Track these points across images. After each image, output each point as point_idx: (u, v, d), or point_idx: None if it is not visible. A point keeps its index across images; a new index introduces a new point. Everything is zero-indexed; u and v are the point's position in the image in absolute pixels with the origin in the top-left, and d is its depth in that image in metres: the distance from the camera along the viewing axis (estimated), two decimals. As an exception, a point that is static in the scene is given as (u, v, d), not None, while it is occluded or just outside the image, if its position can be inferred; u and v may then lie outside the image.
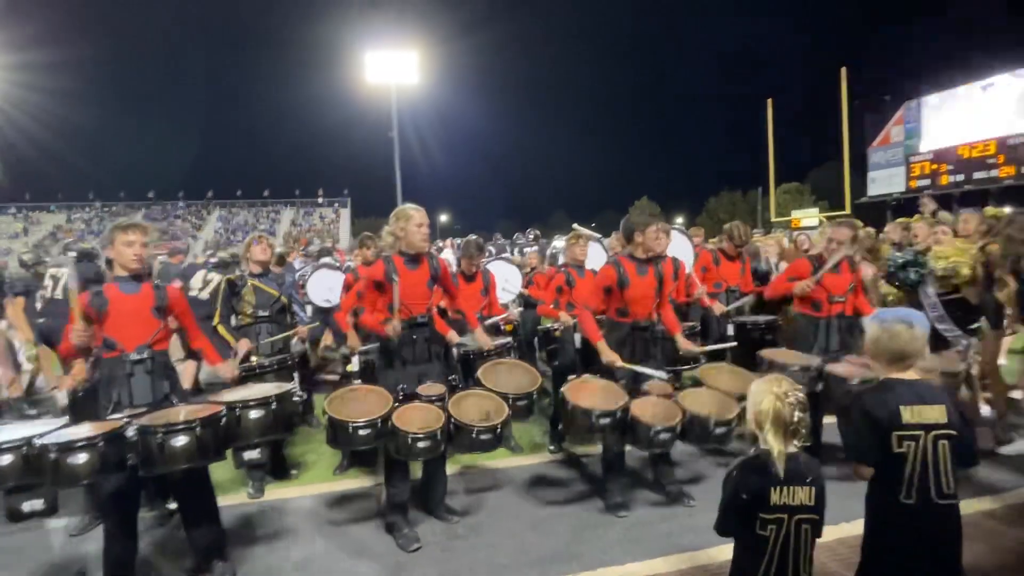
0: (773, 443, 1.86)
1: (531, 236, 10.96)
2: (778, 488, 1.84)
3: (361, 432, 3.10)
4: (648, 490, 3.92)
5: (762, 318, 5.22)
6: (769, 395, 1.88)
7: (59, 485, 2.58)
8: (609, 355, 3.64)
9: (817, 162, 55.90)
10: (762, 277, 6.08)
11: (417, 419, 3.20)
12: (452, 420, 3.24)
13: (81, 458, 2.53)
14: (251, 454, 3.01)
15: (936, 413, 1.91)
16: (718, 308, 5.13)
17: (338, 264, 6.92)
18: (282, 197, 62.41)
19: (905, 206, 27.16)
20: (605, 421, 3.35)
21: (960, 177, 25.91)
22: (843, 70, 25.20)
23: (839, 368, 3.65)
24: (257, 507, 3.90)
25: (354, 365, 4.32)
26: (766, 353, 3.94)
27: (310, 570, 3.14)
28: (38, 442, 2.58)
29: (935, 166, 27.06)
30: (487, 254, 5.67)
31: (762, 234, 9.49)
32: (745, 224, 5.66)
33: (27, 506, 2.63)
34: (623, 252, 3.95)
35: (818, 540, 1.91)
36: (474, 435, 3.21)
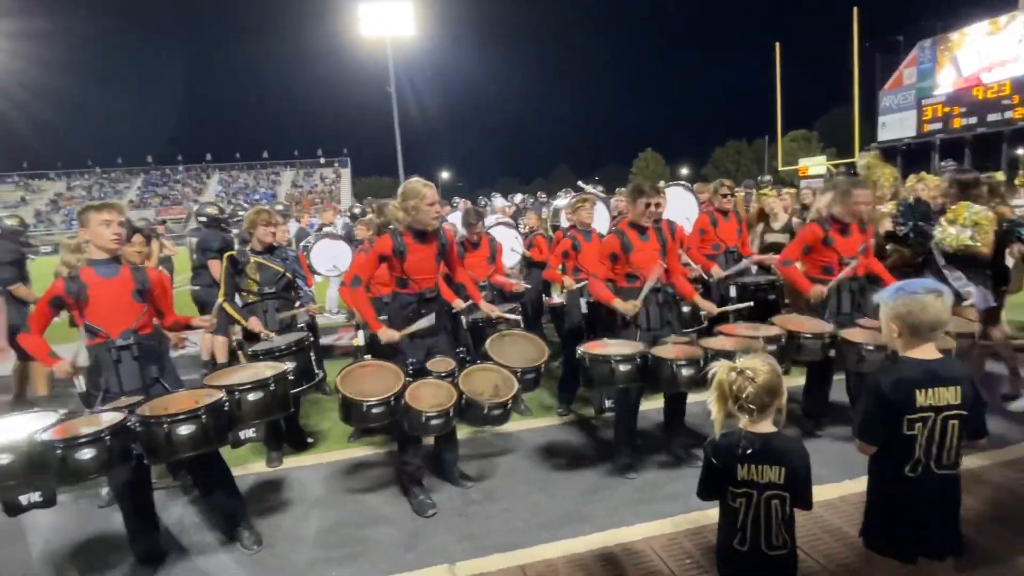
0: (713, 410, 1.90)
1: (517, 200, 10.76)
2: (745, 465, 1.87)
3: (375, 411, 3.16)
4: (657, 452, 4.01)
5: (763, 278, 5.20)
6: (725, 366, 1.91)
7: (67, 481, 2.56)
8: (624, 306, 3.66)
9: (826, 108, 54.57)
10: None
11: (429, 396, 3.26)
12: (463, 396, 3.30)
13: (87, 453, 2.50)
14: (247, 433, 3.03)
15: (951, 395, 1.90)
16: (716, 271, 5.10)
17: (340, 233, 6.88)
18: (281, 158, 61.73)
19: (916, 151, 26.61)
20: (625, 367, 3.37)
21: (973, 120, 25.24)
22: (855, 10, 24.29)
23: (854, 334, 3.65)
24: (275, 476, 4.02)
25: (360, 339, 4.35)
26: (779, 320, 3.90)
27: (331, 536, 3.26)
28: (39, 439, 2.54)
29: (948, 109, 26.34)
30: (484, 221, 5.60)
31: (769, 187, 9.29)
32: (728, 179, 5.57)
33: (24, 499, 2.60)
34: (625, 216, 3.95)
35: (809, 509, 1.93)
36: (485, 411, 3.28)
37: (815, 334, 3.70)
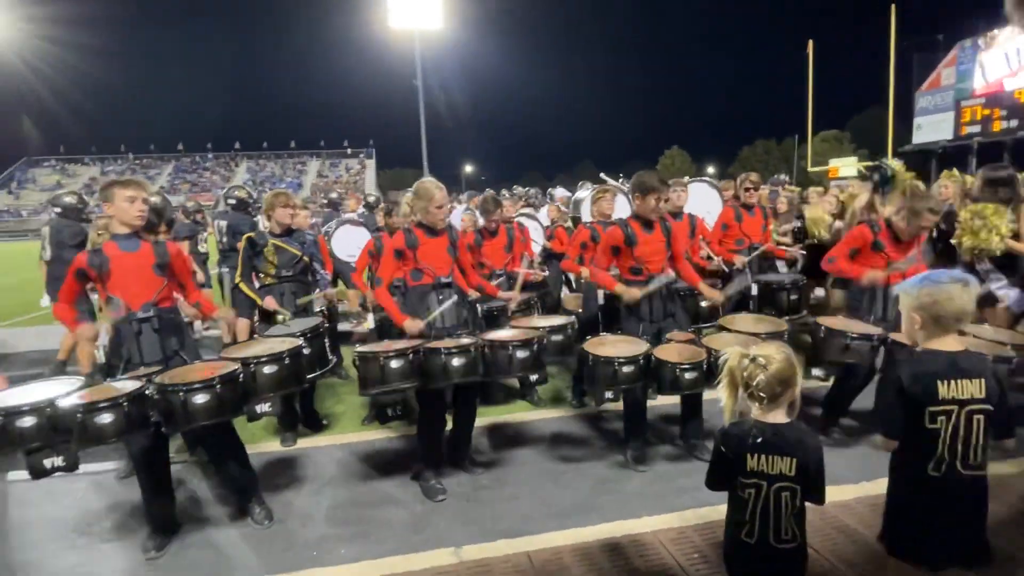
0: (723, 396, 1.87)
1: (526, 191, 10.57)
2: (755, 455, 1.82)
3: (393, 364, 3.10)
4: (668, 445, 3.97)
5: (787, 276, 5.10)
6: (736, 352, 1.87)
7: (87, 444, 2.62)
8: (629, 293, 3.70)
9: (859, 108, 53.26)
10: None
11: (449, 343, 3.25)
12: (486, 342, 3.28)
13: (107, 418, 2.59)
14: (263, 407, 3.06)
15: (974, 387, 1.84)
16: (739, 260, 5.03)
17: (361, 220, 6.93)
18: (308, 148, 62.43)
19: (952, 155, 25.85)
20: (629, 368, 3.34)
21: (1014, 123, 24.37)
22: (892, 7, 23.63)
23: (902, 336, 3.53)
24: (289, 455, 4.08)
25: (370, 323, 4.37)
26: (824, 320, 3.72)
27: (341, 515, 3.29)
28: (61, 403, 2.63)
29: (987, 111, 25.45)
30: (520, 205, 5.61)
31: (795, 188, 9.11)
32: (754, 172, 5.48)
33: (48, 463, 2.67)
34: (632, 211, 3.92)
35: (822, 504, 1.88)
36: (510, 351, 3.23)
37: (863, 334, 3.50)
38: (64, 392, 2.74)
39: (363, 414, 4.71)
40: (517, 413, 4.69)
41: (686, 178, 5.80)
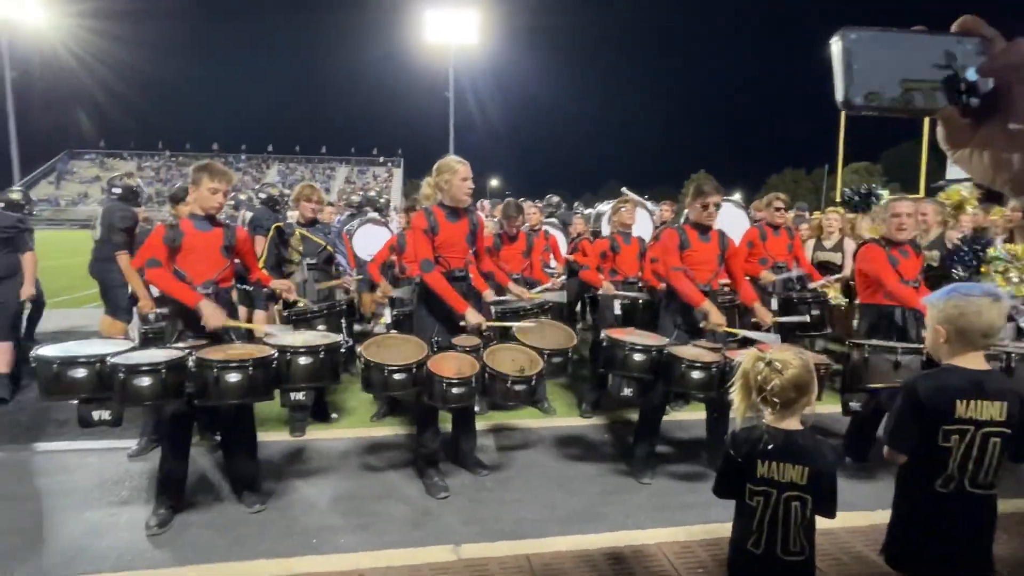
0: (736, 399, 1.82)
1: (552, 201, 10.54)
2: (766, 461, 1.77)
3: (396, 376, 3.17)
4: (679, 459, 3.90)
5: (808, 292, 5.01)
6: (752, 354, 1.82)
7: (125, 403, 2.81)
8: (717, 317, 3.51)
9: (893, 141, 52.58)
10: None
11: (452, 367, 3.25)
12: (486, 369, 3.27)
13: (145, 381, 2.76)
14: (297, 396, 3.16)
15: (995, 410, 1.77)
16: (766, 276, 4.94)
17: (383, 219, 7.00)
18: (338, 154, 63.54)
19: (986, 190, 25.29)
20: (641, 357, 3.33)
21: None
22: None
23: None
24: (298, 445, 4.09)
25: (387, 317, 4.44)
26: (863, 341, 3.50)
27: (343, 506, 3.28)
28: (110, 361, 2.82)
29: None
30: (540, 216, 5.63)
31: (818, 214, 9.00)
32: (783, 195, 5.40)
33: (96, 415, 2.89)
34: (685, 221, 3.86)
35: (833, 522, 1.83)
36: (508, 384, 3.22)
37: (910, 348, 3.31)
38: (115, 351, 2.93)
39: (372, 410, 4.72)
40: (526, 419, 4.66)
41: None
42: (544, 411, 4.81)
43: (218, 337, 3.23)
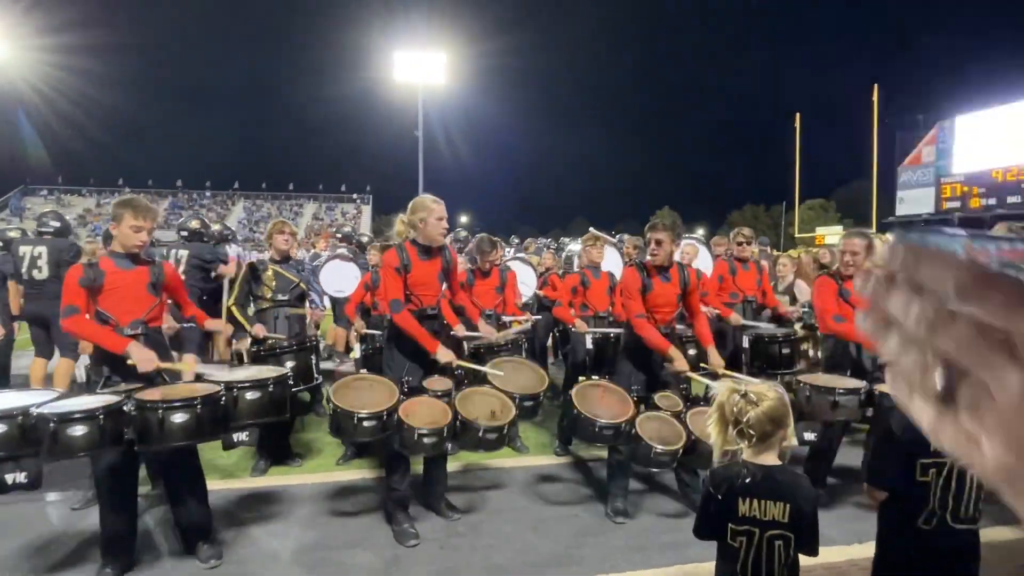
0: (712, 433, 1.79)
1: (541, 242, 10.79)
2: (747, 499, 1.74)
3: (366, 424, 3.07)
4: (657, 496, 3.83)
5: (780, 331, 5.08)
6: (727, 387, 1.81)
7: (55, 456, 2.53)
8: (682, 364, 3.51)
9: (844, 179, 55.14)
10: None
11: (423, 414, 3.16)
12: (458, 418, 3.19)
13: (79, 430, 2.51)
14: (240, 436, 2.95)
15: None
16: (735, 319, 4.99)
17: (350, 256, 6.92)
18: (306, 191, 63.19)
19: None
20: (608, 432, 3.32)
21: (992, 201, 25.22)
22: (875, 87, 24.83)
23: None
24: (259, 491, 3.88)
25: (356, 352, 4.33)
26: (805, 378, 3.64)
27: (307, 557, 3.10)
28: (35, 411, 2.55)
29: (966, 188, 26.40)
30: (501, 251, 5.60)
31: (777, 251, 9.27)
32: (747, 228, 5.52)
33: (10, 478, 2.56)
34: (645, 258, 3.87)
35: (811, 559, 1.79)
36: (480, 434, 3.16)
37: (848, 388, 3.43)
38: (39, 401, 2.67)
39: (338, 452, 4.54)
40: (499, 458, 4.53)
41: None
42: (516, 450, 4.70)
43: (150, 379, 3.02)
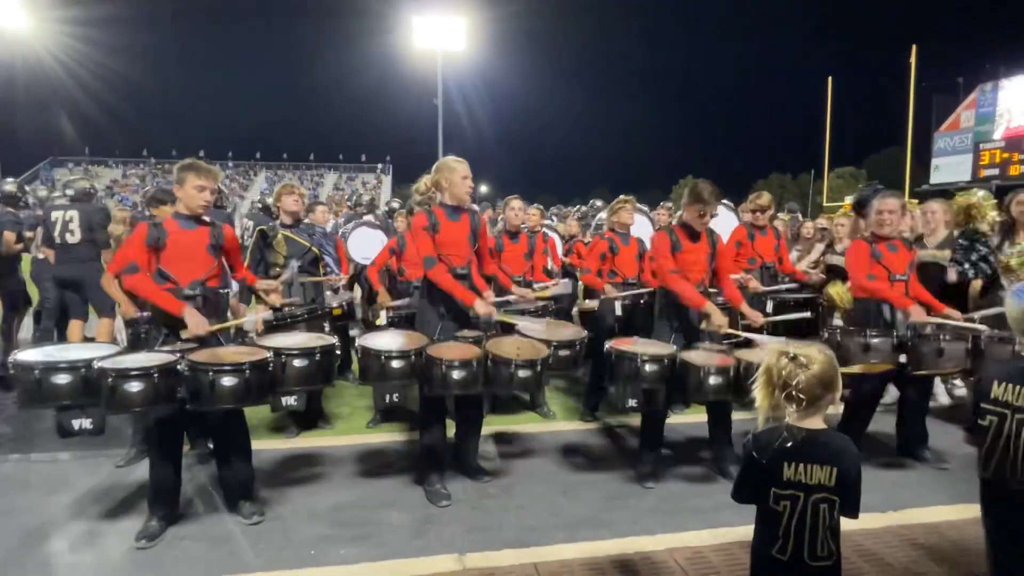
0: (759, 397, 1.74)
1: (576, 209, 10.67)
2: (792, 464, 1.70)
3: (394, 363, 3.05)
4: (686, 464, 3.82)
5: (802, 295, 4.98)
6: (775, 350, 1.75)
7: (112, 410, 2.67)
8: (720, 318, 3.46)
9: (876, 146, 53.38)
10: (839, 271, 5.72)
11: (453, 352, 3.14)
12: (490, 356, 3.14)
13: (135, 386, 2.62)
14: (289, 400, 3.01)
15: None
16: (753, 285, 4.88)
17: (378, 222, 6.91)
18: (326, 161, 63.27)
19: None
20: (653, 368, 3.24)
21: (1032, 168, 24.23)
22: (913, 48, 23.75)
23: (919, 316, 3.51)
24: (294, 453, 3.97)
25: (382, 319, 4.34)
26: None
27: (343, 516, 3.17)
28: (97, 365, 2.67)
29: (1006, 155, 25.36)
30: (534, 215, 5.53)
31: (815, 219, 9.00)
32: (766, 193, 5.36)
33: (76, 424, 2.73)
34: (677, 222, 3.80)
35: (851, 520, 1.76)
36: (512, 369, 3.08)
37: (883, 332, 3.48)
38: (103, 355, 2.78)
39: (368, 417, 4.61)
40: (527, 424, 4.57)
41: None
42: (544, 415, 4.72)
43: (204, 340, 3.08)
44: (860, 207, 5.04)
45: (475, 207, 3.57)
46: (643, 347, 3.40)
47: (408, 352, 3.09)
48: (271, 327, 3.81)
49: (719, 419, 3.74)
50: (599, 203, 8.07)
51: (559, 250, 6.45)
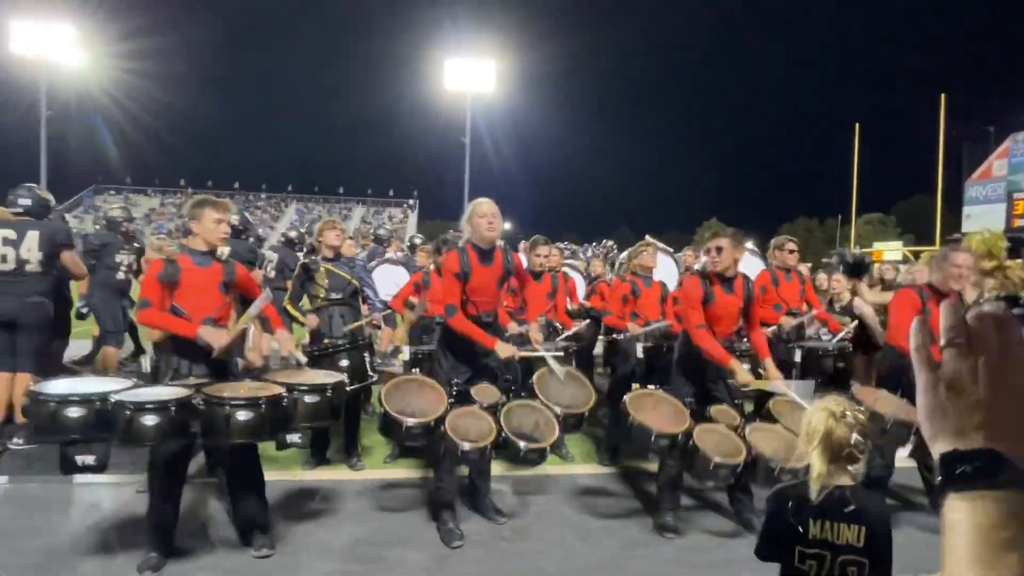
0: (817, 464, 1.70)
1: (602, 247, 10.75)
2: (818, 521, 1.66)
3: (414, 431, 3.14)
4: (708, 514, 3.73)
5: (833, 344, 4.89)
6: (823, 412, 1.72)
7: (127, 443, 2.66)
8: (745, 376, 3.44)
9: (905, 193, 52.82)
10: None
11: (469, 428, 3.17)
12: (502, 433, 3.19)
13: (151, 420, 2.62)
14: (293, 437, 3.01)
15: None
16: (786, 322, 4.80)
17: (400, 259, 7.04)
18: (355, 195, 64.80)
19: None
20: (664, 443, 3.23)
21: (1069, 219, 23.67)
22: (942, 96, 23.72)
23: None
24: (310, 486, 3.98)
25: (405, 355, 4.38)
26: (861, 394, 3.41)
27: (356, 551, 3.15)
28: (114, 398, 2.67)
29: (1042, 205, 24.86)
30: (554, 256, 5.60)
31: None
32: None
33: (80, 459, 2.68)
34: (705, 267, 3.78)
35: None
36: (522, 453, 3.16)
37: (901, 421, 3.15)
38: (118, 388, 2.80)
39: (386, 451, 4.61)
40: (545, 465, 4.50)
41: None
42: (562, 458, 4.67)
43: (220, 373, 3.14)
44: (857, 270, 4.95)
45: (505, 245, 3.62)
46: (657, 416, 3.35)
47: (428, 423, 3.12)
48: (313, 357, 3.84)
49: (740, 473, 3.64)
50: (610, 243, 8.11)
51: (580, 291, 6.48)
